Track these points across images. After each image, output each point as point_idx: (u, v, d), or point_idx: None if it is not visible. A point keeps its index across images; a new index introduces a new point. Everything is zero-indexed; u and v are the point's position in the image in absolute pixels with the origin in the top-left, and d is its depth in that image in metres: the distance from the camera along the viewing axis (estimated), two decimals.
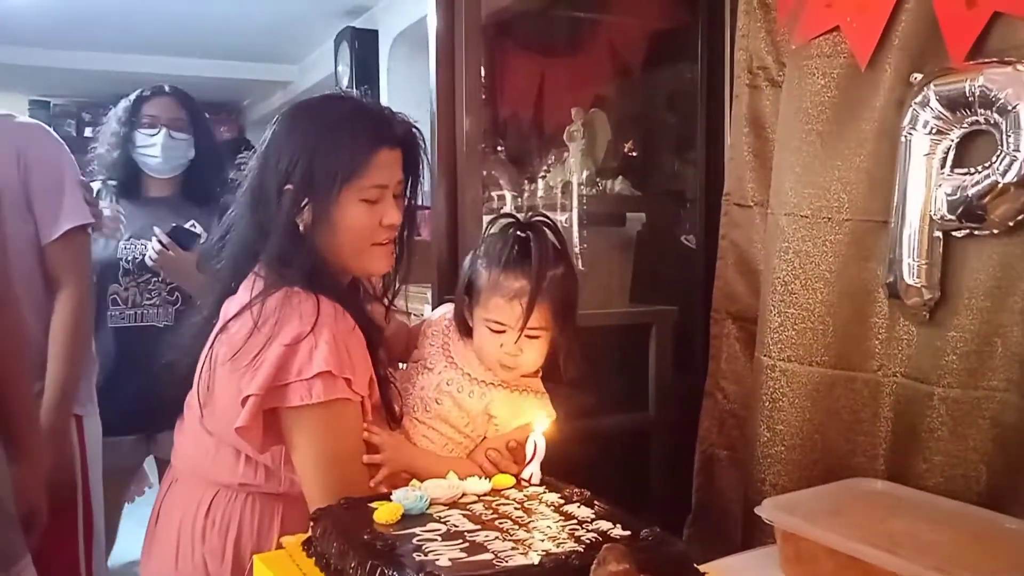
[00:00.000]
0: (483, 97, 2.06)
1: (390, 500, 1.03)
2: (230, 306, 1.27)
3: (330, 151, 1.26)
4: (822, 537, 1.15)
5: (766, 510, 1.23)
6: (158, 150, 2.26)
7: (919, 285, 1.45)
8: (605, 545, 0.86)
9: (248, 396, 1.17)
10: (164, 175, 2.30)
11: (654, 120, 2.62)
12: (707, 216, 2.25)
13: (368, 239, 1.30)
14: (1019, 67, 1.30)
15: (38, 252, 1.82)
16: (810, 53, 1.63)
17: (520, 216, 1.42)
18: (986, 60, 1.36)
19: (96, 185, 2.24)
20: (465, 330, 1.41)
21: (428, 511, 1.02)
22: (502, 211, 2.40)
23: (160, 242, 2.15)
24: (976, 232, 1.39)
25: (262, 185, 1.29)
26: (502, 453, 1.35)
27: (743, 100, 1.90)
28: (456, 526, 0.98)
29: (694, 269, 2.29)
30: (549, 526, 0.99)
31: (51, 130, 1.92)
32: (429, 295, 2.05)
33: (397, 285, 1.43)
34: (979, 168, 1.36)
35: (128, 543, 2.23)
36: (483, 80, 2.05)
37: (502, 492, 1.12)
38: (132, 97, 2.32)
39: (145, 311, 2.24)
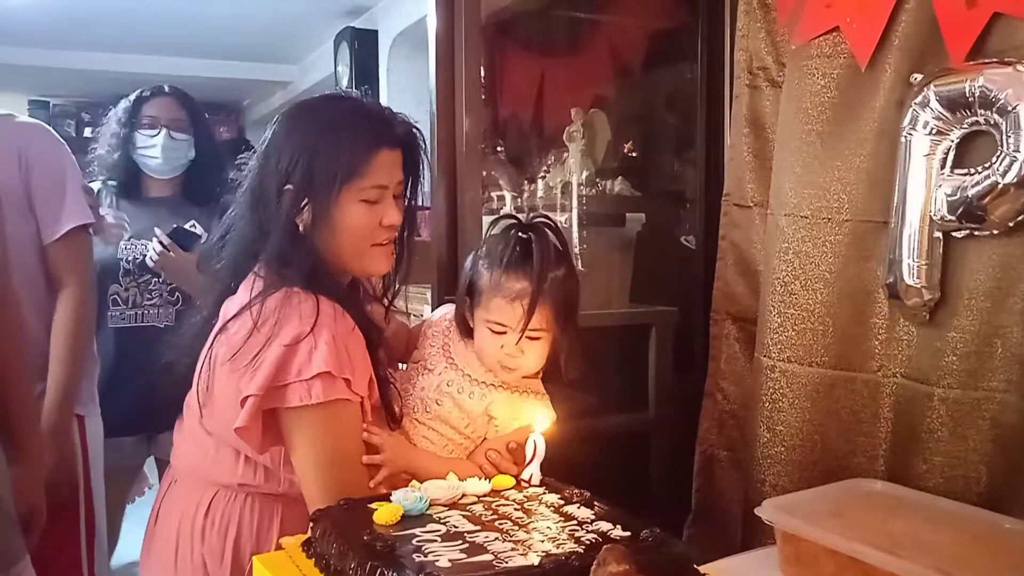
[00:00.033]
0: (483, 97, 2.06)
1: (390, 501, 1.03)
2: (230, 306, 1.27)
3: (330, 151, 1.26)
4: (822, 538, 1.15)
5: (766, 511, 1.23)
6: (158, 151, 2.26)
7: (919, 286, 1.44)
8: (605, 546, 0.86)
9: (247, 396, 1.17)
10: (164, 176, 2.30)
11: (654, 120, 2.62)
12: (707, 216, 2.24)
13: (368, 239, 1.30)
14: (1019, 68, 1.30)
15: (40, 252, 1.82)
16: (810, 53, 1.63)
17: (522, 217, 1.42)
18: (986, 60, 1.36)
19: (96, 185, 2.24)
20: (466, 331, 1.41)
21: (428, 512, 1.02)
22: (502, 211, 2.41)
23: (161, 243, 2.15)
24: (976, 233, 1.39)
25: (262, 185, 1.29)
26: (502, 454, 1.35)
27: (743, 100, 1.90)
28: (456, 527, 0.98)
29: (694, 270, 2.29)
30: (549, 527, 0.99)
31: (52, 130, 1.92)
32: (429, 295, 2.05)
33: (397, 286, 1.43)
34: (979, 169, 1.36)
35: (128, 543, 2.23)
36: (483, 80, 2.05)
37: (502, 493, 1.11)
38: (132, 98, 2.31)
39: (146, 311, 2.24)
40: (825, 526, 1.17)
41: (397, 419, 1.34)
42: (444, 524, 0.98)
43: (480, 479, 1.13)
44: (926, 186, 1.42)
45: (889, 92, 1.51)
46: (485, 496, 1.10)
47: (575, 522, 1.01)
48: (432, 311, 1.65)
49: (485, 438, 1.39)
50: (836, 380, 1.59)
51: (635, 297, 2.33)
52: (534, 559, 0.89)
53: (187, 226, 2.22)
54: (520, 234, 1.36)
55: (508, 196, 2.46)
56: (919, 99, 1.42)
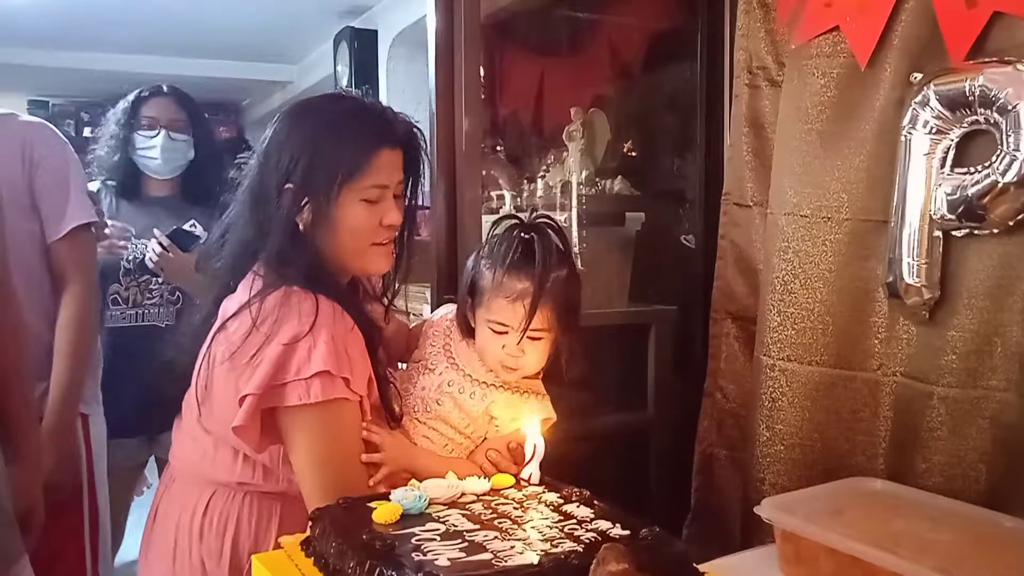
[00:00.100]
0: (482, 97, 2.06)
1: (389, 500, 1.02)
2: (229, 305, 1.27)
3: (331, 150, 1.26)
4: (822, 537, 1.15)
5: (765, 510, 1.23)
6: (158, 152, 2.26)
7: (919, 284, 1.44)
8: (604, 545, 0.86)
9: (246, 395, 1.17)
10: (164, 176, 2.30)
11: (653, 120, 2.62)
12: (706, 216, 2.24)
13: (368, 239, 1.30)
14: (1019, 67, 1.30)
15: (44, 251, 1.82)
16: (810, 53, 1.63)
17: (524, 217, 1.42)
18: (986, 60, 1.35)
19: (95, 186, 2.24)
20: (467, 331, 1.41)
21: (427, 511, 1.02)
22: (501, 211, 2.41)
23: (160, 244, 2.15)
24: (976, 232, 1.39)
25: (262, 184, 1.29)
26: (502, 454, 1.35)
27: (743, 100, 1.90)
28: (455, 526, 0.98)
29: (693, 269, 2.29)
30: (548, 526, 0.99)
31: (56, 129, 1.92)
32: (428, 295, 2.05)
33: (397, 285, 1.43)
34: (979, 168, 1.36)
35: (128, 542, 2.23)
36: (482, 80, 2.05)
37: (501, 492, 1.11)
38: (130, 98, 2.31)
39: (146, 311, 2.24)
40: (825, 525, 1.17)
41: (397, 418, 1.34)
42: (443, 523, 0.98)
43: (479, 478, 1.13)
44: (926, 185, 1.42)
45: (889, 91, 1.51)
46: (484, 495, 1.10)
47: (574, 521, 1.01)
48: (431, 310, 1.65)
49: (485, 438, 1.39)
50: (836, 379, 1.59)
51: (634, 296, 2.33)
52: (533, 558, 0.89)
53: (187, 226, 2.22)
54: (522, 234, 1.35)
55: (508, 195, 2.46)
56: (919, 98, 1.42)
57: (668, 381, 2.22)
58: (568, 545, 0.93)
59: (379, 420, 1.30)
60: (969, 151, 1.40)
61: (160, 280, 2.22)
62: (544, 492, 1.11)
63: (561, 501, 1.07)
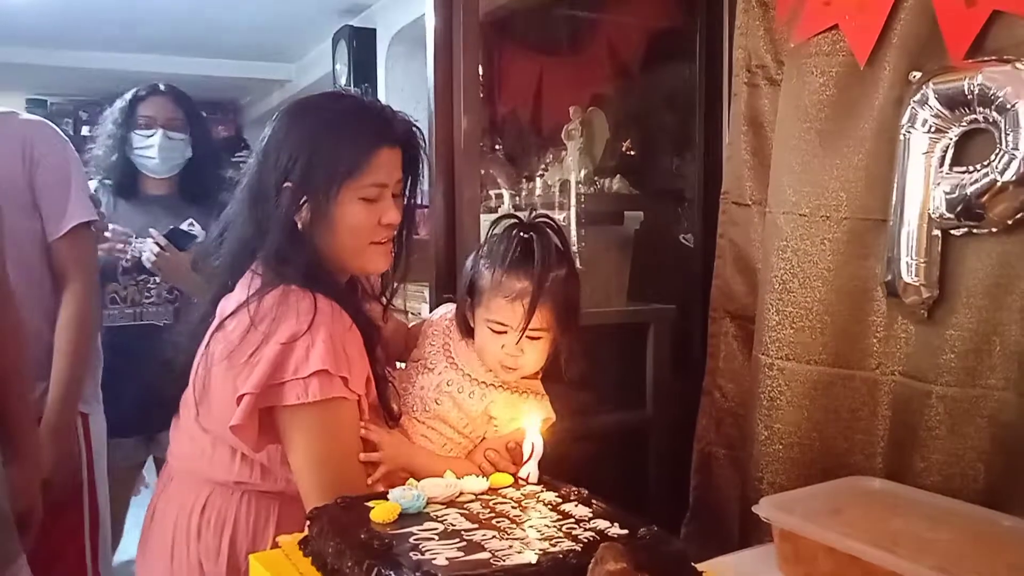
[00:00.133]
0: (481, 96, 2.06)
1: (387, 499, 1.02)
2: (227, 304, 1.27)
3: (330, 149, 1.25)
4: (820, 536, 1.15)
5: (764, 509, 1.23)
6: (155, 151, 2.26)
7: (917, 283, 1.44)
8: (603, 544, 0.86)
9: (244, 394, 1.16)
10: (161, 175, 2.30)
11: (652, 119, 2.62)
12: (705, 215, 2.24)
13: (367, 238, 1.30)
14: (1018, 65, 1.30)
15: (44, 249, 1.82)
16: (809, 51, 1.62)
17: (523, 216, 1.42)
18: (985, 58, 1.35)
19: (93, 185, 2.23)
20: (466, 330, 1.41)
21: (425, 510, 1.02)
22: (500, 210, 2.40)
23: (158, 244, 2.15)
24: (975, 230, 1.38)
25: (261, 182, 1.29)
26: (501, 454, 1.35)
27: (741, 98, 1.90)
28: (453, 525, 0.97)
29: (692, 268, 2.29)
30: (547, 525, 0.99)
31: (56, 127, 1.92)
32: (427, 294, 2.04)
33: (395, 284, 1.43)
34: (978, 166, 1.36)
35: (125, 541, 2.23)
36: (481, 79, 2.05)
37: (499, 491, 1.11)
38: (127, 97, 2.31)
39: (144, 310, 2.24)
40: (823, 524, 1.17)
41: (395, 417, 1.34)
42: (441, 522, 0.98)
43: (478, 477, 1.13)
44: (925, 184, 1.42)
45: (888, 90, 1.51)
46: (483, 494, 1.10)
47: (572, 520, 1.00)
48: (430, 309, 1.65)
49: (484, 438, 1.39)
50: (834, 378, 1.59)
51: (633, 295, 2.33)
52: (531, 557, 0.89)
53: (184, 225, 2.22)
54: (522, 234, 1.35)
55: (506, 194, 2.45)
56: (918, 97, 1.42)
57: (667, 380, 2.22)
58: (566, 544, 0.92)
59: (377, 419, 1.30)
60: (968, 150, 1.40)
61: (158, 279, 2.22)
62: (542, 491, 1.11)
63: (559, 500, 1.07)
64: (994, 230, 1.36)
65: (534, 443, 1.17)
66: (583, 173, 2.35)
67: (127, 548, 2.08)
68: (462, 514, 1.01)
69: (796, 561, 1.20)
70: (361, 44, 4.12)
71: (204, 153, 2.34)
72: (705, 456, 1.98)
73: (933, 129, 1.41)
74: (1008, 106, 1.29)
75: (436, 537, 0.93)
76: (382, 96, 4.02)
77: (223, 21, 4.40)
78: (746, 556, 1.36)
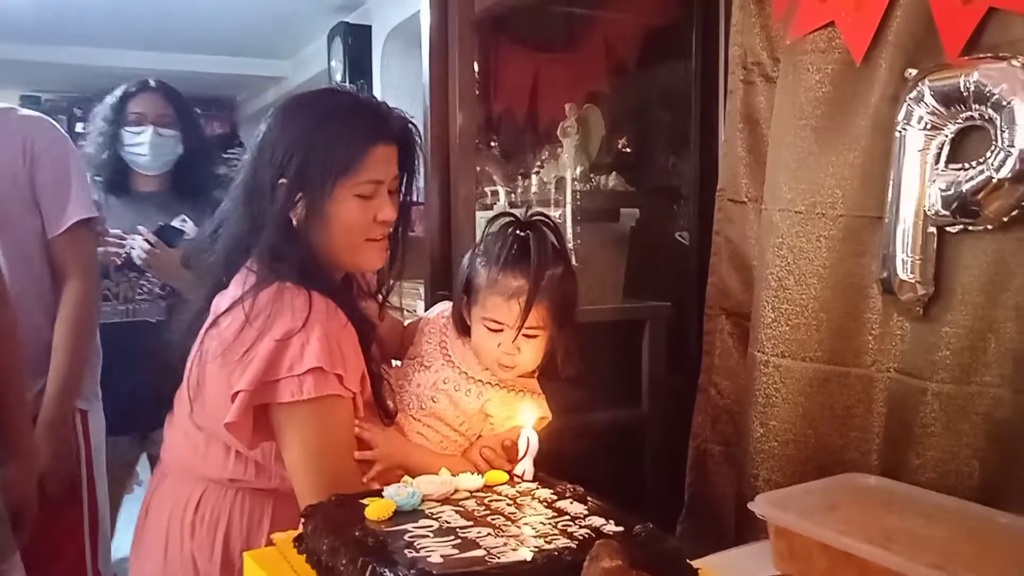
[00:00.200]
0: (477, 92, 2.05)
1: (381, 496, 1.02)
2: (221, 301, 1.26)
3: (326, 145, 1.25)
4: (816, 533, 1.15)
5: (759, 506, 1.23)
6: (146, 148, 2.25)
7: (913, 281, 1.44)
8: (598, 541, 0.86)
9: (238, 391, 1.16)
10: (153, 172, 2.29)
11: (648, 116, 2.62)
12: (701, 212, 2.24)
13: (362, 235, 1.29)
14: (1014, 63, 1.30)
15: (44, 245, 1.82)
16: (805, 48, 1.62)
17: (519, 214, 1.41)
18: (981, 56, 1.35)
19: None
20: (463, 329, 1.40)
21: (420, 507, 1.02)
22: (495, 207, 2.40)
23: (148, 241, 2.14)
24: (970, 228, 1.38)
25: (256, 179, 1.28)
26: (497, 452, 1.34)
27: (737, 96, 1.90)
28: (448, 522, 0.97)
29: (688, 265, 2.29)
30: (542, 522, 0.98)
31: (56, 123, 1.91)
32: (422, 291, 2.04)
33: (391, 282, 1.42)
34: (973, 164, 1.36)
35: (119, 539, 2.22)
36: (477, 75, 2.05)
37: (494, 488, 1.11)
38: (117, 94, 2.30)
39: (137, 306, 2.23)
40: (818, 521, 1.17)
41: (391, 415, 1.33)
42: (436, 520, 0.98)
43: (473, 474, 1.13)
44: (920, 181, 1.42)
45: (884, 87, 1.50)
46: (478, 491, 1.09)
47: (568, 517, 1.00)
48: (425, 307, 1.65)
49: (480, 435, 1.39)
50: (830, 375, 1.59)
51: (629, 292, 2.33)
52: (526, 554, 0.88)
53: (177, 221, 2.21)
54: (518, 232, 1.35)
55: (502, 191, 2.45)
56: (913, 94, 1.42)
57: (662, 377, 2.23)
58: (562, 541, 0.92)
59: (373, 417, 1.29)
60: (964, 147, 1.40)
61: (150, 276, 2.21)
62: (538, 488, 1.11)
63: (555, 497, 1.07)
64: (990, 227, 1.36)
65: (529, 440, 1.17)
66: (579, 170, 2.35)
67: (120, 546, 2.08)
68: (457, 511, 1.01)
69: (791, 558, 1.20)
70: (356, 41, 4.12)
71: (196, 149, 2.33)
72: (701, 453, 1.98)
73: (929, 126, 1.41)
74: (1004, 103, 1.29)
75: (431, 534, 0.93)
76: (377, 93, 3.98)
77: (219, 18, 4.39)
78: (741, 553, 1.36)
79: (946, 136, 1.41)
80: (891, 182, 1.46)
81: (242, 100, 6.60)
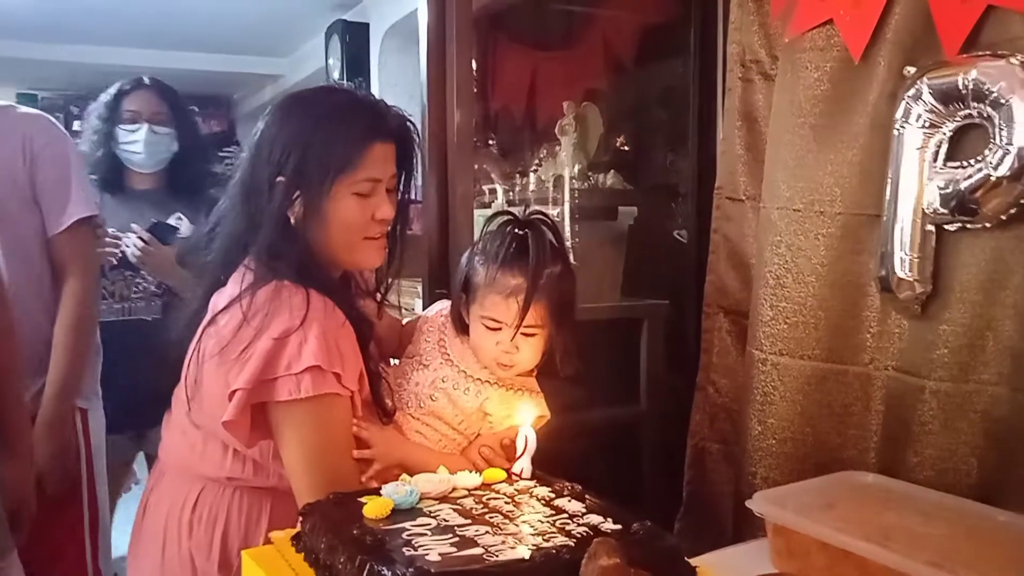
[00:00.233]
0: (474, 90, 2.05)
1: (380, 495, 1.02)
2: (219, 299, 1.26)
3: (323, 143, 1.24)
4: (814, 531, 1.15)
5: (757, 503, 1.23)
6: (140, 146, 2.24)
7: (911, 279, 1.44)
8: (596, 539, 0.86)
9: (236, 390, 1.16)
10: (148, 170, 2.29)
11: (646, 114, 2.62)
12: (699, 210, 2.24)
13: (360, 233, 1.29)
14: (1012, 61, 1.30)
15: (44, 244, 1.81)
16: (803, 46, 1.62)
17: (518, 212, 1.41)
18: (979, 53, 1.35)
19: None
20: (462, 327, 1.40)
21: (418, 506, 1.01)
22: (493, 205, 2.40)
23: (141, 239, 2.14)
24: (968, 226, 1.39)
25: (253, 177, 1.28)
26: (495, 450, 1.34)
27: (736, 94, 1.90)
28: (446, 520, 0.97)
29: (686, 263, 2.29)
30: (540, 520, 0.98)
31: (55, 121, 1.91)
32: (420, 289, 2.04)
33: (389, 280, 1.42)
34: (972, 162, 1.36)
35: (117, 538, 2.22)
36: (475, 73, 2.05)
37: (492, 487, 1.11)
38: (112, 91, 2.30)
39: (133, 304, 2.23)
40: (816, 519, 1.17)
41: (389, 413, 1.33)
42: (434, 518, 0.98)
43: (471, 473, 1.13)
44: (919, 179, 1.42)
45: (882, 85, 1.50)
46: (476, 490, 1.09)
47: (566, 515, 1.00)
48: (423, 305, 1.65)
49: (479, 434, 1.39)
50: (828, 373, 1.59)
51: (627, 291, 2.33)
52: (524, 552, 0.88)
53: (172, 219, 2.21)
54: (516, 230, 1.35)
55: (500, 189, 2.45)
56: (912, 92, 1.42)
57: (660, 375, 2.23)
58: (560, 539, 0.92)
59: (371, 416, 1.29)
60: (962, 145, 1.40)
61: (145, 274, 2.21)
62: (535, 487, 1.11)
63: (553, 495, 1.07)
64: (988, 225, 1.36)
65: (528, 438, 1.17)
66: (577, 168, 2.35)
67: (118, 544, 2.08)
68: (455, 510, 1.01)
69: (789, 556, 1.20)
70: (354, 39, 4.11)
71: (190, 147, 2.33)
72: (699, 451, 1.98)
73: (927, 124, 1.41)
74: (1002, 101, 1.29)
75: (429, 533, 0.93)
76: (375, 91, 3.97)
77: (216, 16, 4.38)
78: (739, 551, 1.36)
79: (944, 134, 1.41)
80: (889, 180, 1.46)
81: (239, 98, 6.58)
